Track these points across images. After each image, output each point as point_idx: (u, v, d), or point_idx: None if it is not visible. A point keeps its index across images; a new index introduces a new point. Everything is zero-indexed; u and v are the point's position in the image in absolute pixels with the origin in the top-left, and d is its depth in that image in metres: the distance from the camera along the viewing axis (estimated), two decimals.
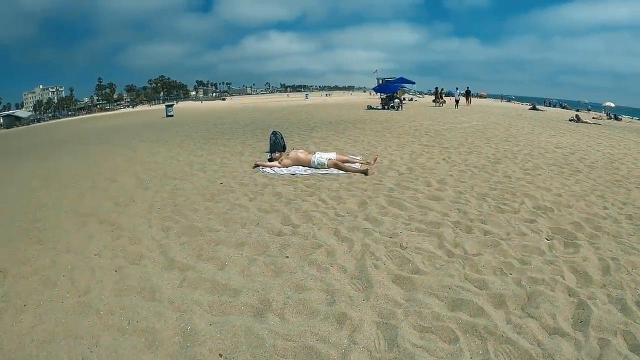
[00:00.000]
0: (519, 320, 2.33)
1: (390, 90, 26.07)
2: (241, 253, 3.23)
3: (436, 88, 28.93)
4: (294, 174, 6.17)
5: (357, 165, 6.67)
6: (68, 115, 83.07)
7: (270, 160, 6.88)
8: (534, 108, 28.12)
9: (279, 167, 6.56)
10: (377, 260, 3.10)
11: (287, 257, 3.14)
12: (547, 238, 3.57)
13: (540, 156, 8.12)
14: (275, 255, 3.19)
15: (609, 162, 7.99)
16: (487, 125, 14.17)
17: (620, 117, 23.19)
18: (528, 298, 2.54)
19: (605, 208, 4.60)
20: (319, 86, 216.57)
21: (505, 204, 4.56)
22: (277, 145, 8.15)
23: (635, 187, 5.77)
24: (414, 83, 29.68)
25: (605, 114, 22.50)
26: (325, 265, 2.99)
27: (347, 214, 4.19)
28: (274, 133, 8.32)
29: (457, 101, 24.94)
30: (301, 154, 6.71)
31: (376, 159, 7.00)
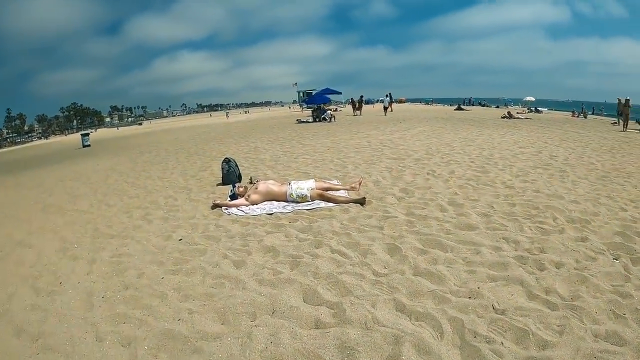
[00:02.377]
0: None
1: (321, 102, 25.68)
2: None
3: (361, 96, 29.21)
4: (271, 213, 4.93)
5: (342, 193, 5.64)
6: None
7: (233, 197, 5.53)
8: (459, 108, 29.86)
9: (247, 206, 5.26)
10: (487, 341, 2.18)
11: None
12: (615, 258, 3.22)
13: (515, 159, 8.00)
14: None
15: (578, 157, 8.21)
16: (433, 130, 14.20)
17: (540, 109, 25.47)
18: None
19: (623, 209, 4.54)
20: (236, 104, 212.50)
21: (542, 222, 4.06)
22: (231, 175, 6.79)
23: (625, 181, 6.01)
24: (340, 93, 29.81)
25: (527, 109, 24.52)
26: None
27: (387, 270, 3.11)
28: (227, 161, 6.94)
29: (385, 108, 25.31)
30: (273, 186, 5.48)
31: (360, 182, 6.05)
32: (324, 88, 29.24)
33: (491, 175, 6.49)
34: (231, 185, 5.95)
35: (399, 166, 7.55)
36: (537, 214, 4.33)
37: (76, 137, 32.99)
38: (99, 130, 67.31)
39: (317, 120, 23.50)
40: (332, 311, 2.57)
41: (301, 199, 5.26)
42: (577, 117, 23.06)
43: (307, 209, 4.99)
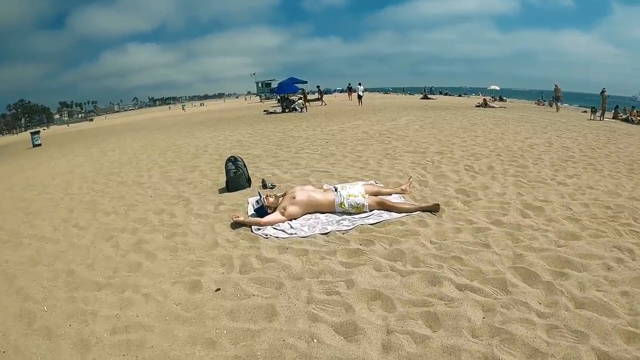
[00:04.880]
0: None
1: (290, 91, 24.05)
2: None
3: (318, 87, 27.90)
4: (326, 232, 3.51)
5: (396, 197, 4.36)
6: None
7: (260, 210, 3.99)
8: (425, 97, 29.40)
9: (285, 221, 3.79)
10: None
11: None
12: None
13: (535, 150, 7.44)
14: None
15: (590, 148, 7.96)
16: (420, 119, 13.27)
17: (504, 98, 25.51)
18: None
19: None
20: (189, 96, 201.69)
21: (629, 225, 3.44)
22: (240, 179, 5.22)
23: None
24: (306, 82, 28.19)
25: (491, 97, 24.47)
26: None
27: (547, 307, 2.18)
28: (232, 160, 5.33)
29: (359, 97, 24.12)
30: (315, 193, 4.03)
31: (410, 182, 4.79)
32: (289, 77, 27.50)
33: (532, 169, 5.73)
34: (257, 194, 4.42)
35: (427, 161, 6.40)
36: (615, 215, 3.71)
37: (25, 136, 28.40)
38: (51, 127, 60.70)
39: (286, 110, 21.92)
40: None
41: (356, 209, 3.88)
42: (542, 105, 23.29)
43: (370, 223, 3.63)
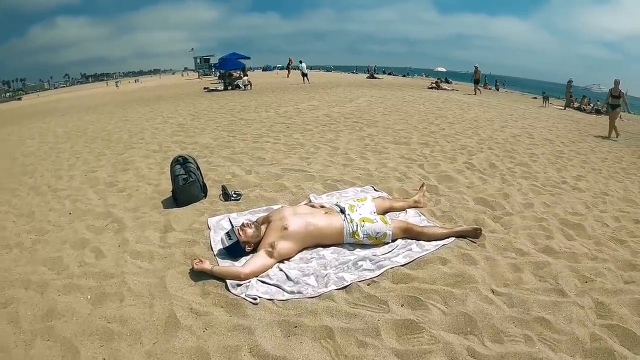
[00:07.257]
0: None
1: (233, 67, 21.86)
2: None
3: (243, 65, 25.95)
4: (346, 286, 2.31)
5: (413, 214, 3.29)
6: None
7: (235, 249, 2.65)
8: (372, 77, 28.64)
9: (277, 266, 2.53)
10: None
11: None
12: None
13: (519, 141, 7.01)
14: None
15: (570, 142, 7.70)
16: (382, 101, 12.33)
17: (450, 80, 25.48)
18: None
19: None
20: (123, 73, 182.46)
21: None
22: (192, 189, 3.77)
23: None
24: (249, 58, 25.96)
25: (438, 79, 24.27)
26: None
27: None
28: (181, 161, 3.84)
29: (304, 75, 22.55)
30: (314, 218, 2.75)
31: (424, 192, 3.74)
32: (230, 52, 25.06)
33: (536, 169, 5.22)
34: (226, 221, 3.05)
35: (418, 155, 5.50)
36: None
37: None
38: None
39: (229, 88, 19.88)
40: None
41: (375, 239, 2.73)
42: (489, 89, 23.79)
43: (403, 264, 2.51)
